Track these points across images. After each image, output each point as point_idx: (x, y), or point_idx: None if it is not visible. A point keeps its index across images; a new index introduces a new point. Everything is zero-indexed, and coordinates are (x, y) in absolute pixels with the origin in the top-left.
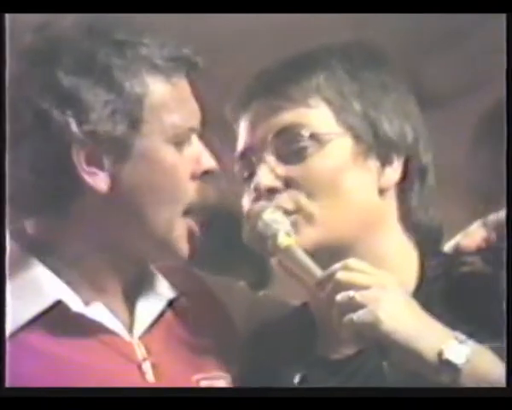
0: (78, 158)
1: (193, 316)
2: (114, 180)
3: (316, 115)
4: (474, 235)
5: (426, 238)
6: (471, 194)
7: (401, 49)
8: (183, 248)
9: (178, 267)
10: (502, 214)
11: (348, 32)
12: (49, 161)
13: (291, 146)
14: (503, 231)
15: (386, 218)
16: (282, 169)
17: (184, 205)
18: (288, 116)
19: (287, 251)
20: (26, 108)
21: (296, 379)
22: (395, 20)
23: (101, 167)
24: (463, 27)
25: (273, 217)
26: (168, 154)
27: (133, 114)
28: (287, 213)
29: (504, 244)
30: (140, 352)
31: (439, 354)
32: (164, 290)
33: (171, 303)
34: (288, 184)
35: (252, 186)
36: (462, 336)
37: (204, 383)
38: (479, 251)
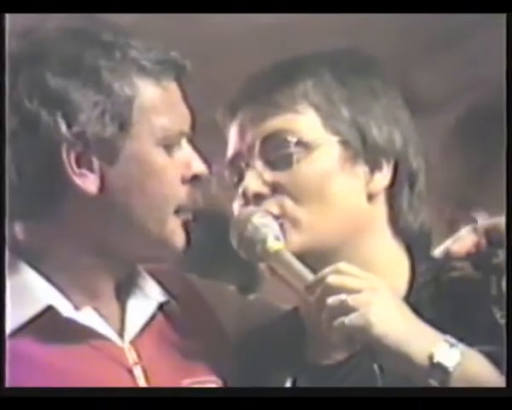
0: (69, 160)
1: (183, 320)
2: (104, 182)
3: (303, 121)
4: (464, 240)
5: (416, 243)
6: (441, 197)
7: (398, 50)
8: (178, 238)
9: (169, 271)
10: (492, 220)
11: (342, 34)
12: (37, 163)
13: (278, 152)
14: (493, 237)
15: (374, 223)
16: (269, 175)
17: (174, 207)
18: (276, 122)
19: (276, 255)
20: (13, 109)
21: (287, 384)
22: (395, 21)
23: (90, 169)
24: (463, 28)
25: (262, 221)
26: (158, 156)
27: (122, 115)
28: (273, 218)
29: (502, 246)
30: (131, 356)
31: (430, 358)
32: (154, 294)
33: (161, 307)
34: (276, 189)
35: (240, 191)
36: (453, 340)
37: None
38: (469, 256)
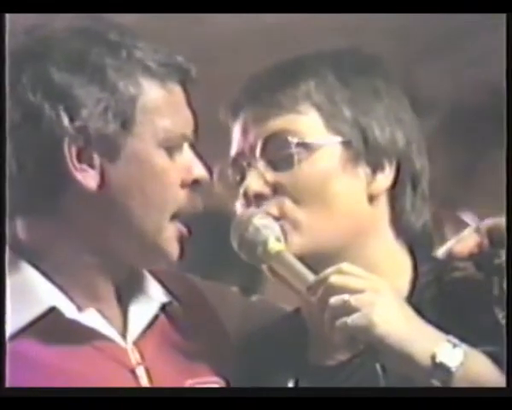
0: (70, 154)
1: (186, 321)
2: (104, 179)
3: (305, 122)
4: (466, 240)
5: (418, 243)
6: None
7: (398, 50)
8: (172, 250)
9: (171, 272)
10: (495, 220)
11: (344, 34)
12: (38, 156)
13: (280, 152)
14: (495, 237)
15: (376, 224)
16: (271, 175)
17: (173, 210)
18: (278, 122)
19: (277, 257)
20: (16, 102)
21: (289, 385)
22: (395, 21)
23: (91, 165)
24: (462, 28)
25: (263, 222)
26: (159, 158)
27: (125, 113)
28: (274, 219)
29: (504, 246)
30: (134, 357)
31: (433, 358)
32: (157, 295)
33: (163, 308)
34: (277, 190)
35: (241, 191)
36: (455, 340)
37: None
38: (471, 257)
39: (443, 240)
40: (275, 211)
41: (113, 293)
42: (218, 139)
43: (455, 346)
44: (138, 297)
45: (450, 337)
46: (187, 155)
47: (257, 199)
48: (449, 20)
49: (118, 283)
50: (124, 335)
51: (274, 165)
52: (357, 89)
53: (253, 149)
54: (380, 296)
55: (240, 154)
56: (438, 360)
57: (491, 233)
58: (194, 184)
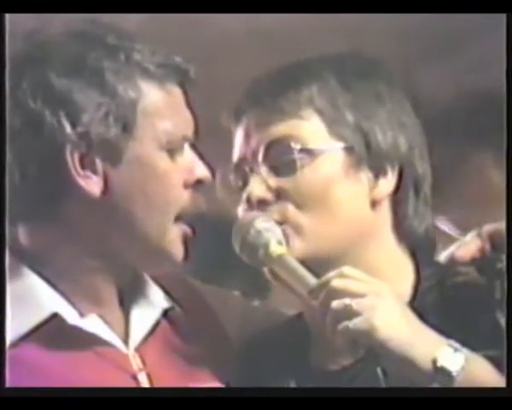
0: (72, 161)
1: (187, 326)
2: (107, 184)
3: (308, 128)
4: (468, 245)
5: (420, 248)
6: None
7: (398, 50)
8: (177, 252)
9: (173, 277)
10: (497, 225)
11: (345, 35)
12: (40, 164)
13: (282, 158)
14: (497, 242)
15: (378, 229)
16: (273, 181)
17: (176, 212)
18: (281, 128)
19: (279, 260)
20: (17, 109)
21: None
22: (394, 21)
23: (94, 171)
24: (462, 29)
25: (265, 225)
26: (161, 160)
27: (126, 117)
28: (276, 223)
29: (504, 250)
30: (135, 363)
31: (434, 362)
32: (158, 300)
33: (165, 313)
34: (280, 195)
35: (244, 196)
36: (457, 344)
37: None
38: (473, 261)
39: (445, 244)
40: (277, 216)
41: (116, 298)
42: (218, 141)
43: (456, 350)
44: (140, 303)
45: (452, 342)
46: (188, 155)
47: (260, 205)
48: (449, 20)
49: (120, 288)
50: (126, 341)
51: (276, 170)
52: (360, 93)
53: (255, 154)
54: (381, 300)
55: (242, 159)
56: (439, 364)
57: (492, 238)
58: (197, 185)
